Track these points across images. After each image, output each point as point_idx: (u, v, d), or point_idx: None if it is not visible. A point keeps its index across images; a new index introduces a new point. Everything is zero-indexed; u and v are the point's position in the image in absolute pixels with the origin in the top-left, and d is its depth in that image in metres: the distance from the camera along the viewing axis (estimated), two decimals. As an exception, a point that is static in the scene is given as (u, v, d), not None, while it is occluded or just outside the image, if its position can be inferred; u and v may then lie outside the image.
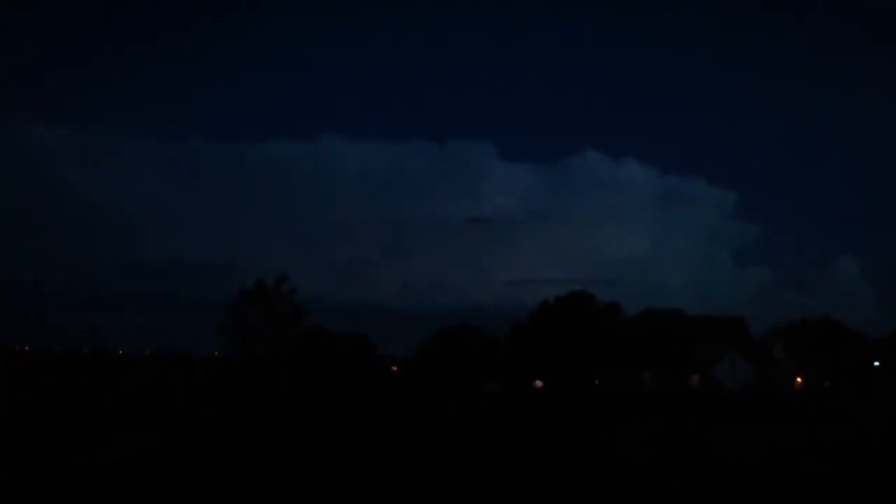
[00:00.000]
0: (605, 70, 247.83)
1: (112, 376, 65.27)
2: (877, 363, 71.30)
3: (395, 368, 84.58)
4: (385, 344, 79.42)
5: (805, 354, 69.90)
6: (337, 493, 14.17)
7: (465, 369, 68.23)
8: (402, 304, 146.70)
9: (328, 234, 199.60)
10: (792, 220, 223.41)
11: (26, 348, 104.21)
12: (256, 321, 66.28)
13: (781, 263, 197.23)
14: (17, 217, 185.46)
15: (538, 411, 39.14)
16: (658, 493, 15.22)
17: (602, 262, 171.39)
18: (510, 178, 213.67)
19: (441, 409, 38.57)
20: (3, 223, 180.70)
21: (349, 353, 67.57)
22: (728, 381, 44.39)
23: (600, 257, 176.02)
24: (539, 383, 72.50)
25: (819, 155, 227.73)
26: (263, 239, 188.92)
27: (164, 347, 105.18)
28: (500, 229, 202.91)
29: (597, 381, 70.80)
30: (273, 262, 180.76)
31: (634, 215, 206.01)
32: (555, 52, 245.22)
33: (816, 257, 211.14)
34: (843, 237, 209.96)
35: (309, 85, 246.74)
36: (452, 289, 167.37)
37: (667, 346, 69.40)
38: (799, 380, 71.87)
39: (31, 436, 20.78)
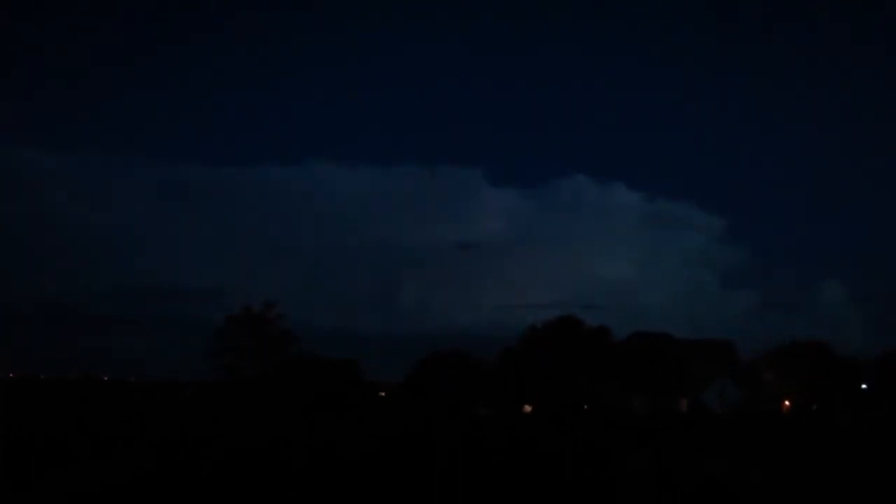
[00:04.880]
0: (593, 95, 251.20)
1: (99, 402, 64.26)
2: (864, 386, 71.49)
3: (382, 394, 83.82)
4: (373, 369, 78.68)
5: (794, 377, 69.92)
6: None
7: (455, 394, 67.80)
8: (389, 329, 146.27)
9: (315, 259, 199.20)
10: (779, 244, 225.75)
11: (10, 375, 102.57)
12: (244, 345, 65.76)
13: (769, 287, 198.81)
14: (2, 240, 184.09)
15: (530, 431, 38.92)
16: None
17: (590, 287, 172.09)
18: (498, 204, 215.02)
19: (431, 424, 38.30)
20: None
21: (337, 379, 66.93)
22: (717, 406, 44.38)
23: (588, 282, 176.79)
24: (528, 408, 72.19)
25: (806, 180, 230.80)
26: (250, 263, 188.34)
27: (151, 371, 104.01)
28: (489, 254, 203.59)
29: (586, 406, 70.56)
30: (260, 286, 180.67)
31: (622, 240, 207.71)
32: (542, 78, 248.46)
33: (803, 281, 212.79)
34: (829, 261, 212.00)
35: (297, 110, 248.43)
36: (440, 313, 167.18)
37: (656, 370, 69.30)
38: (787, 403, 71.87)
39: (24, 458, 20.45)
